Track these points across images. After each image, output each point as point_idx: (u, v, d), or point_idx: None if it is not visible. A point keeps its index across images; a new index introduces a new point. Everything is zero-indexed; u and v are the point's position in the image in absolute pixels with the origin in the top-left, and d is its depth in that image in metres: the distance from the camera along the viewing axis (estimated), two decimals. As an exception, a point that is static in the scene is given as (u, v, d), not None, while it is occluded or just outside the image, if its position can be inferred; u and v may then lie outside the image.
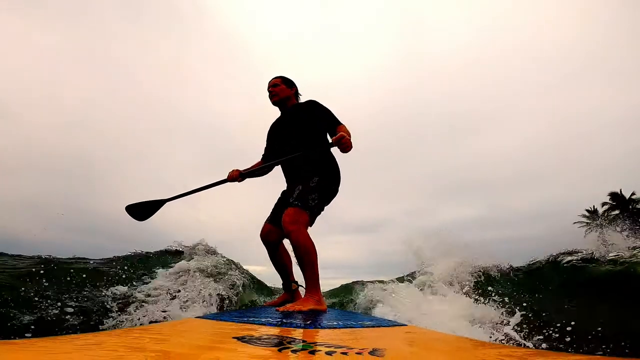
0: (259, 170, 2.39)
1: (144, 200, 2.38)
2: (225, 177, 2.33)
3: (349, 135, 2.08)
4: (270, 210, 2.42)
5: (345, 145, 1.99)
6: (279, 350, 0.66)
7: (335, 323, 1.31)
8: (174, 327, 1.02)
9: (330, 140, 2.13)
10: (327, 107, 2.32)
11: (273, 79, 2.44)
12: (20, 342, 0.60)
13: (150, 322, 2.22)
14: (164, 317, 2.29)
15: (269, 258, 2.44)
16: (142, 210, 2.37)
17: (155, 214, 2.38)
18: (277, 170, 2.46)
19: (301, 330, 1.09)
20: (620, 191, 32.87)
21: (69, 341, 0.66)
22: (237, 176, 2.30)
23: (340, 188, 2.30)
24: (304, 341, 0.81)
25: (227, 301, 3.15)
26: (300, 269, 2.08)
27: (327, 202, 2.25)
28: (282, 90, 2.40)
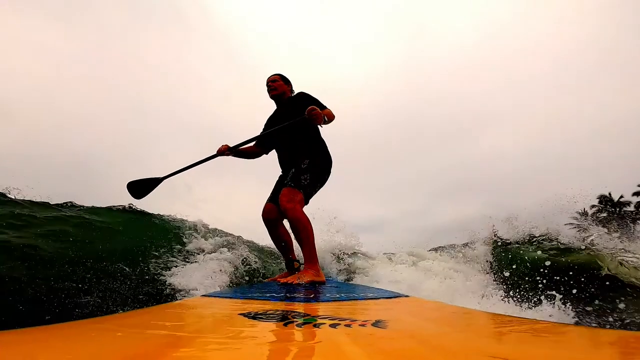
0: (247, 143, 2.49)
1: (143, 178, 2.47)
2: (216, 156, 2.48)
3: (331, 116, 2.34)
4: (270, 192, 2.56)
5: (315, 117, 2.20)
6: (285, 325, 0.67)
7: (338, 296, 1.34)
8: (181, 307, 1.04)
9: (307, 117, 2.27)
10: (314, 95, 2.50)
11: (272, 75, 2.63)
12: (17, 332, 0.60)
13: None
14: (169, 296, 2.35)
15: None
16: (140, 188, 2.48)
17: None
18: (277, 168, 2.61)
19: (305, 304, 1.12)
20: (610, 194, 34.25)
21: (72, 327, 0.68)
22: (226, 150, 2.46)
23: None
24: (308, 315, 0.83)
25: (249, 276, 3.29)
26: (298, 244, 2.22)
27: (321, 182, 2.42)
28: (280, 85, 2.60)
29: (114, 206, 3.77)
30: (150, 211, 3.96)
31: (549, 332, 0.69)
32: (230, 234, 4.15)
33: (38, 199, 3.30)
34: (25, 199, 3.21)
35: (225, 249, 3.40)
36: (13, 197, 3.14)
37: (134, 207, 3.75)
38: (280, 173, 2.58)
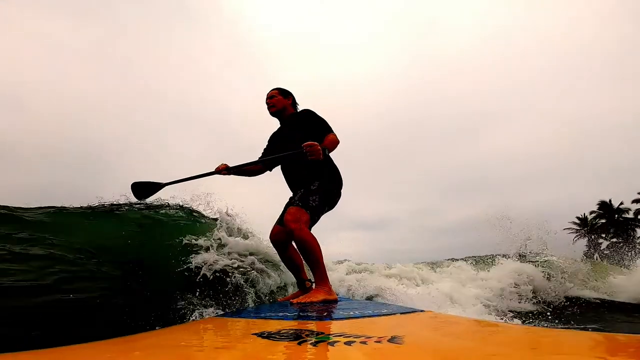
0: (247, 165, 2.48)
1: (147, 181, 2.58)
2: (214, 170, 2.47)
3: (334, 144, 2.25)
4: (279, 214, 2.51)
5: (312, 154, 2.08)
6: (299, 344, 0.66)
7: (352, 313, 1.31)
8: (195, 327, 1.03)
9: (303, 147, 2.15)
10: (320, 116, 2.43)
11: (270, 91, 2.55)
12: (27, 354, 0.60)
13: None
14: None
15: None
16: (143, 190, 2.57)
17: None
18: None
19: (318, 322, 1.10)
20: (610, 200, 34.79)
21: (87, 348, 0.68)
22: (224, 169, 2.44)
23: (346, 189, 2.42)
24: (322, 333, 0.81)
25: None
26: (307, 264, 2.18)
27: (330, 205, 2.37)
28: (278, 101, 2.51)
29: (125, 204, 3.82)
30: (167, 202, 3.98)
31: (577, 341, 0.66)
32: (252, 236, 4.12)
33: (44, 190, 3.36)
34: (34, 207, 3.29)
35: (246, 260, 3.42)
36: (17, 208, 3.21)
37: (147, 204, 3.79)
38: (291, 194, 2.51)
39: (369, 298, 4.27)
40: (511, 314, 3.51)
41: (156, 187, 2.57)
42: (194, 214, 4.35)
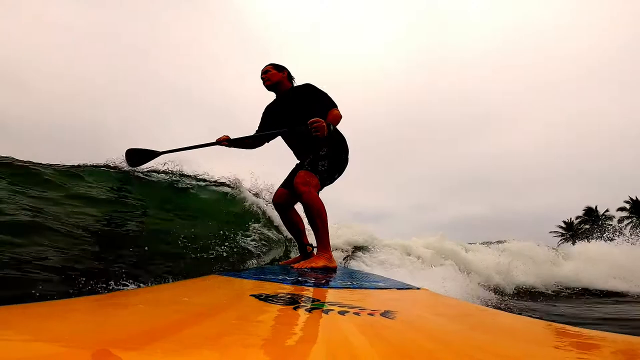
0: (248, 138, 2.47)
1: (142, 148, 2.53)
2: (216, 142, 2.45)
3: (337, 119, 2.23)
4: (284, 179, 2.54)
5: (317, 130, 2.04)
6: (294, 309, 0.68)
7: (349, 283, 1.35)
8: (196, 284, 1.08)
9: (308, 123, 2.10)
10: (322, 90, 2.39)
11: (265, 66, 2.54)
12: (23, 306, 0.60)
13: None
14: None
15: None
16: (137, 157, 2.53)
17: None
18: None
19: (316, 289, 1.13)
20: (596, 207, 36.70)
21: (87, 302, 0.71)
22: (224, 140, 2.44)
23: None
24: (318, 300, 0.84)
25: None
26: (312, 228, 2.20)
27: (339, 171, 2.37)
28: (273, 75, 2.50)
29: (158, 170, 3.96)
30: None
31: (565, 335, 0.67)
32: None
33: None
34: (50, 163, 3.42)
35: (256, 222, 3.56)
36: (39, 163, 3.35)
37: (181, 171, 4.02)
38: (297, 162, 2.52)
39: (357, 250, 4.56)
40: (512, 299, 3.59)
41: (152, 154, 2.51)
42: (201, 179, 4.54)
